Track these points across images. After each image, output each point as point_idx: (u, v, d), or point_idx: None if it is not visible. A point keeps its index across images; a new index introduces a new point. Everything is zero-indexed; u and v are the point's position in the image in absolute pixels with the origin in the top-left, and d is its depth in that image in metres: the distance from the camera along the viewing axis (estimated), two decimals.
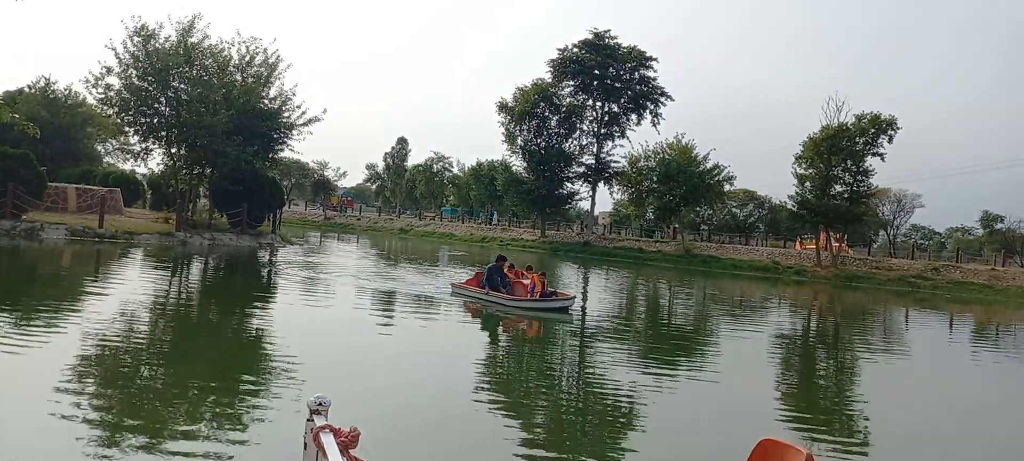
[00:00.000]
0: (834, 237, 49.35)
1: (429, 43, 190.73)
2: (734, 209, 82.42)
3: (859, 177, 47.08)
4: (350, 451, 2.41)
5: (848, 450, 7.98)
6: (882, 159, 46.66)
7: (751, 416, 9.37)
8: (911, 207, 76.94)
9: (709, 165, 56.25)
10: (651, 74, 61.29)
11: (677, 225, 62.09)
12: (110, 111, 34.09)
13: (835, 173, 47.06)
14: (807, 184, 48.06)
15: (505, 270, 18.76)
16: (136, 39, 31.64)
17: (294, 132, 37.32)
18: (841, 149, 46.03)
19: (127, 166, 50.71)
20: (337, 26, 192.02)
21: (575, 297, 19.61)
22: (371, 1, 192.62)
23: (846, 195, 47.16)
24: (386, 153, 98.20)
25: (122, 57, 31.55)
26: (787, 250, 56.84)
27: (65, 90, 53.14)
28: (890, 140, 46.13)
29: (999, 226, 77.34)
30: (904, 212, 77.70)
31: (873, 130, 45.73)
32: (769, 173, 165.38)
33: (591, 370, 11.96)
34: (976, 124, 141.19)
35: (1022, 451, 9.04)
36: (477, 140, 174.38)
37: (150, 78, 31.88)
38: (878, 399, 11.37)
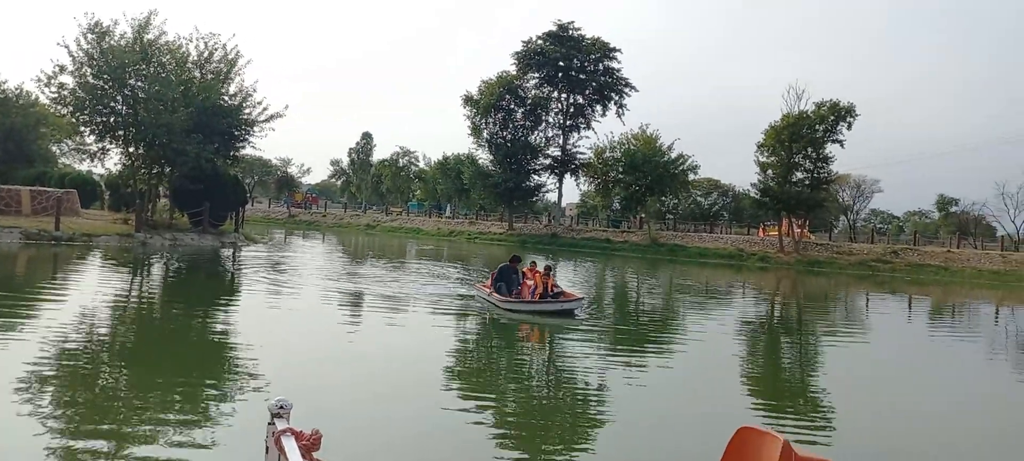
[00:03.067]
0: (796, 223, 50.26)
1: (406, 44, 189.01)
2: (699, 198, 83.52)
3: (820, 164, 48.00)
4: (312, 454, 2.36)
5: (815, 433, 8.11)
6: (841, 146, 47.69)
7: (722, 403, 9.47)
8: (870, 192, 78.74)
9: (674, 155, 56.90)
10: (615, 65, 61.62)
11: (643, 215, 62.66)
12: (64, 111, 33.19)
13: (796, 160, 47.93)
14: (769, 172, 48.87)
15: (524, 270, 17.17)
16: (90, 36, 30.79)
17: (255, 129, 36.77)
18: (802, 136, 46.86)
19: (83, 167, 49.63)
20: (305, 29, 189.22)
21: (583, 299, 17.21)
22: (337, 4, 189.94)
23: (807, 182, 48.05)
24: (351, 148, 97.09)
25: (75, 55, 30.70)
26: (751, 237, 57.74)
27: (16, 89, 51.58)
28: (849, 127, 47.13)
29: (954, 209, 79.59)
30: (863, 197, 79.49)
31: (833, 117, 46.64)
32: (732, 162, 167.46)
33: (562, 362, 11.99)
34: (933, 107, 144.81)
35: (979, 427, 9.28)
36: (443, 133, 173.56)
37: (105, 76, 31.07)
38: (842, 383, 11.60)
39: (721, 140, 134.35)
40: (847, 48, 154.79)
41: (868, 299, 28.84)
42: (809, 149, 47.49)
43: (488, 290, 17.06)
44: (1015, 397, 11.44)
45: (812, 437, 7.79)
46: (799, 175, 48.32)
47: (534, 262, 18.12)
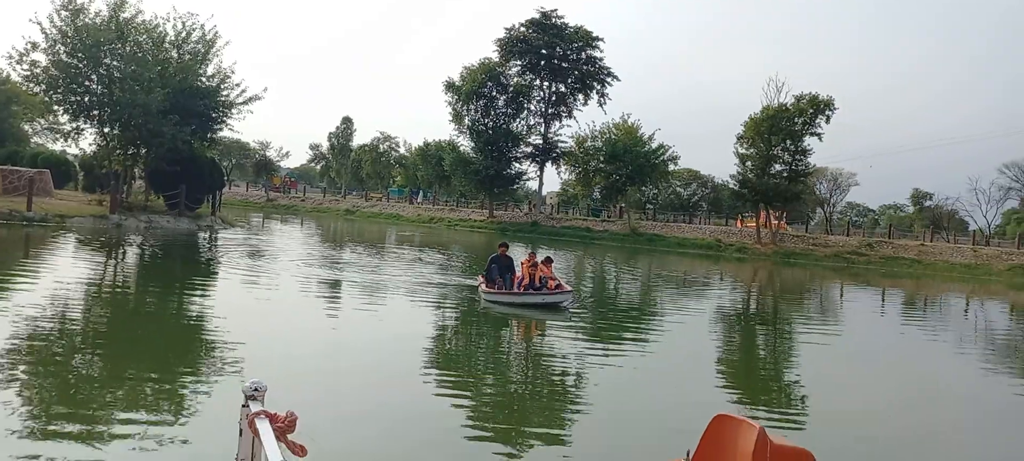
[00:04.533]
0: (774, 215, 50.76)
1: (378, 29, 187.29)
2: (678, 188, 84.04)
3: (798, 156, 48.47)
4: (287, 436, 2.33)
5: (790, 420, 8.21)
6: (820, 139, 48.18)
7: (699, 391, 9.55)
8: (847, 185, 79.61)
9: (654, 145, 57.10)
10: (598, 54, 61.64)
11: (623, 204, 62.89)
12: (36, 89, 32.56)
13: (775, 153, 48.35)
14: (748, 163, 49.26)
15: (523, 261, 15.98)
16: (63, 13, 30.16)
17: (233, 111, 36.29)
18: (781, 129, 47.26)
19: (57, 146, 48.55)
20: (283, 15, 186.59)
21: (571, 292, 16.02)
22: None
23: (785, 174, 48.50)
24: (330, 133, 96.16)
25: (48, 32, 30.07)
26: (729, 228, 58.22)
27: None
28: (827, 120, 47.60)
29: (928, 203, 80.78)
30: (840, 190, 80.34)
31: (811, 110, 47.06)
32: (712, 153, 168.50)
33: (541, 350, 12.02)
34: (910, 103, 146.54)
35: (949, 416, 9.45)
36: (424, 120, 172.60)
37: (80, 54, 30.49)
38: (816, 372, 11.76)
39: (701, 131, 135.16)
40: (828, 42, 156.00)
41: (843, 291, 29.23)
42: (788, 142, 47.93)
43: (483, 282, 16.02)
44: (983, 387, 11.66)
45: (787, 425, 7.88)
46: (777, 167, 48.78)
47: (533, 252, 17.03)
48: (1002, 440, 8.55)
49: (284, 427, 2.32)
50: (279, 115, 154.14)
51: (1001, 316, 24.52)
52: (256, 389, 2.47)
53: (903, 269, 42.13)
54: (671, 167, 61.23)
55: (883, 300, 26.80)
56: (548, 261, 16.45)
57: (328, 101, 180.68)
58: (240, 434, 2.50)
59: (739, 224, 60.79)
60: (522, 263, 15.86)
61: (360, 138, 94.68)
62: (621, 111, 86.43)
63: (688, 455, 4.43)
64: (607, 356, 11.31)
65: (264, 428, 2.26)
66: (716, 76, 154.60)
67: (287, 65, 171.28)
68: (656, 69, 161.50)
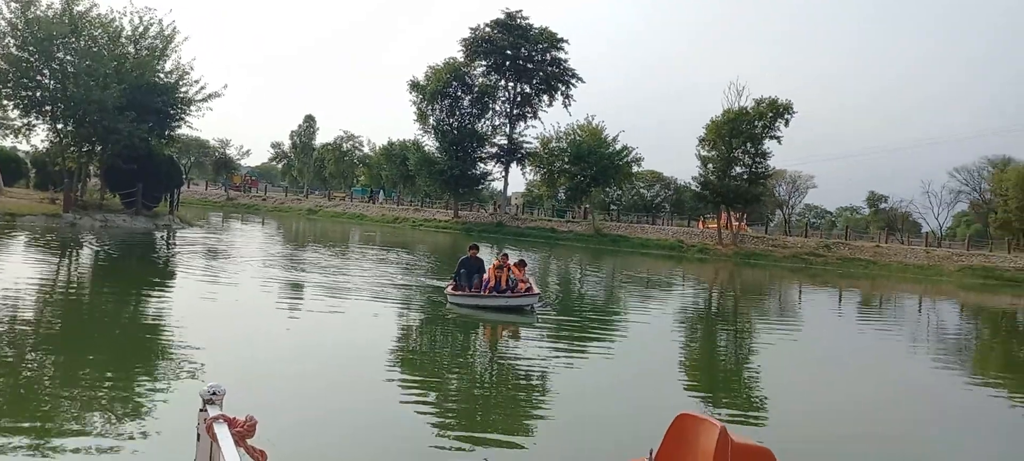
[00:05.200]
0: (734, 216, 51.57)
1: (350, 27, 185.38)
2: (642, 190, 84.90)
3: (758, 159, 49.33)
4: (246, 441, 2.28)
5: (751, 418, 8.33)
6: (779, 141, 49.10)
7: (661, 391, 9.64)
8: (805, 188, 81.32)
9: (618, 147, 57.59)
10: (562, 56, 61.88)
11: (587, 205, 63.28)
12: None
13: (736, 155, 49.13)
14: (710, 165, 49.97)
15: (494, 263, 15.62)
16: (13, 5, 29.29)
17: (192, 108, 35.59)
18: (741, 132, 48.04)
19: (7, 143, 46.97)
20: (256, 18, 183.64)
21: (537, 295, 15.39)
22: None
23: (746, 176, 49.32)
24: (293, 131, 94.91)
25: None
26: (691, 229, 58.97)
27: None
28: (787, 123, 48.52)
29: (883, 206, 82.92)
30: (798, 192, 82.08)
31: (771, 114, 47.93)
32: (674, 155, 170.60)
33: (504, 352, 12.01)
34: (863, 108, 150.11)
35: (903, 412, 9.70)
36: (387, 119, 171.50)
37: (31, 48, 29.62)
38: (776, 371, 11.97)
39: (665, 132, 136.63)
40: (785, 44, 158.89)
41: (801, 291, 29.82)
42: (748, 144, 48.74)
43: (451, 285, 15.60)
44: (935, 384, 12.00)
45: (748, 423, 8.00)
46: (738, 169, 49.57)
47: (506, 255, 16.51)
48: (956, 436, 8.80)
49: (243, 432, 2.27)
50: (247, 114, 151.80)
51: (952, 315, 25.26)
52: (214, 393, 2.41)
53: (859, 270, 43.15)
54: (635, 168, 61.81)
55: (840, 300, 27.40)
56: (521, 264, 16.28)
57: (294, 101, 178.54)
58: (198, 439, 2.44)
59: (701, 225, 61.63)
60: (492, 266, 15.53)
61: (323, 137, 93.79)
62: (586, 113, 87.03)
63: (651, 454, 4.46)
64: (571, 358, 11.35)
65: (222, 433, 2.21)
66: (683, 78, 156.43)
67: (249, 61, 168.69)
68: (623, 69, 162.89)
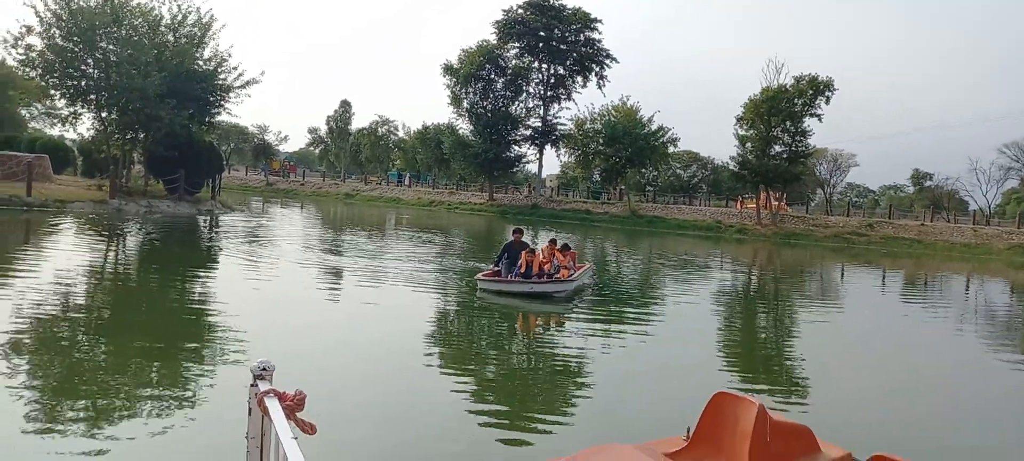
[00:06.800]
0: (774, 196, 50.75)
1: (380, 24, 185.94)
2: (678, 170, 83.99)
3: (797, 137, 48.38)
4: (296, 414, 2.35)
5: (789, 399, 8.26)
6: (819, 120, 48.06)
7: (699, 370, 9.60)
8: (847, 166, 79.64)
9: (654, 127, 56.98)
10: (596, 36, 61.31)
11: (623, 186, 62.84)
12: (32, 73, 32.47)
13: (775, 134, 48.25)
14: (748, 145, 49.19)
15: (542, 248, 15.36)
16: None
17: (231, 94, 36.20)
18: (780, 110, 47.13)
19: (55, 131, 48.50)
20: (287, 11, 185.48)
21: (572, 281, 14.90)
22: None
23: (785, 155, 48.44)
24: (329, 116, 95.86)
25: (43, 16, 29.94)
26: (729, 210, 58.23)
27: None
28: (827, 101, 47.46)
29: (928, 183, 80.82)
30: (840, 171, 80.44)
31: (811, 91, 46.91)
32: (711, 135, 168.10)
33: (542, 333, 12.06)
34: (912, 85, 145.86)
35: (950, 395, 9.51)
36: (422, 103, 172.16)
37: (75, 38, 30.36)
38: (816, 352, 11.82)
39: (701, 113, 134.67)
40: (827, 19, 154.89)
41: (843, 271, 29.28)
42: (787, 123, 47.82)
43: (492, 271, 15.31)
44: (984, 366, 11.72)
45: (786, 403, 7.93)
46: (777, 148, 48.70)
47: (553, 240, 16.26)
48: (1006, 418, 8.60)
49: (293, 405, 2.35)
50: (283, 101, 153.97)
51: (1002, 295, 24.58)
52: (264, 368, 2.49)
53: (903, 249, 42.19)
54: (670, 149, 61.16)
55: (884, 280, 26.85)
56: (565, 248, 15.98)
57: (329, 87, 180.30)
58: (250, 413, 2.52)
59: (739, 206, 60.83)
60: (541, 250, 15.31)
61: (359, 121, 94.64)
62: (620, 92, 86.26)
63: (688, 432, 4.48)
64: (608, 340, 11.35)
65: (274, 407, 2.29)
66: (721, 57, 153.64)
67: (285, 47, 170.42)
68: (655, 50, 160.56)
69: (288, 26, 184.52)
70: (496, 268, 15.21)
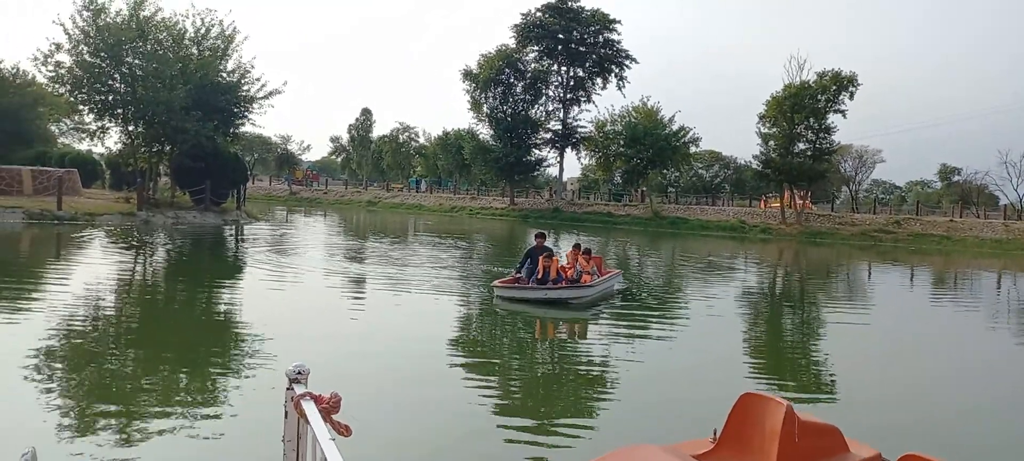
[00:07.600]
0: (798, 194, 50.19)
1: (391, 18, 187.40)
2: (700, 170, 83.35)
3: (821, 134, 47.80)
4: (332, 416, 2.40)
5: (818, 399, 8.19)
6: (843, 116, 47.45)
7: (726, 370, 9.55)
8: (872, 163, 78.57)
9: (675, 127, 56.67)
10: (615, 37, 61.12)
11: (645, 188, 62.56)
12: (62, 90, 33.18)
13: (798, 131, 47.70)
14: (771, 143, 48.66)
15: (566, 253, 15.00)
16: (85, 14, 30.63)
17: (254, 105, 36.68)
18: (803, 107, 46.59)
19: (83, 146, 49.37)
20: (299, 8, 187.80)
21: (591, 286, 14.56)
22: None
23: (809, 153, 47.88)
24: (350, 125, 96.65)
25: (71, 33, 30.60)
26: (753, 209, 57.69)
27: (12, 69, 51.22)
28: (851, 97, 46.84)
29: (956, 178, 79.40)
30: (865, 168, 79.37)
31: (834, 87, 46.34)
32: (734, 133, 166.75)
33: (566, 332, 12.07)
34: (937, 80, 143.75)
35: (981, 395, 9.37)
36: (442, 109, 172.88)
37: (102, 54, 30.97)
38: (844, 351, 11.69)
39: (723, 111, 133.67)
40: (851, 10, 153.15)
41: (870, 269, 28.90)
42: (811, 119, 47.26)
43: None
44: (1018, 364, 11.52)
45: (814, 403, 7.87)
46: (801, 146, 48.13)
47: (578, 244, 16.11)
48: None
49: (329, 408, 2.40)
50: (296, 111, 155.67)
51: None
52: (300, 372, 2.55)
53: (932, 246, 41.51)
54: (692, 149, 60.77)
55: (912, 278, 26.46)
56: (587, 252, 15.74)
57: (345, 95, 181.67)
58: (285, 416, 2.58)
59: (763, 205, 60.24)
60: (545, 257, 14.74)
61: (380, 129, 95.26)
62: (640, 94, 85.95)
63: (715, 434, 4.47)
64: (632, 342, 11.32)
65: (310, 409, 2.34)
66: (741, 56, 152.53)
67: (305, 58, 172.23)
68: (676, 49, 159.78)
69: (295, 34, 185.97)
70: (518, 274, 14.97)
